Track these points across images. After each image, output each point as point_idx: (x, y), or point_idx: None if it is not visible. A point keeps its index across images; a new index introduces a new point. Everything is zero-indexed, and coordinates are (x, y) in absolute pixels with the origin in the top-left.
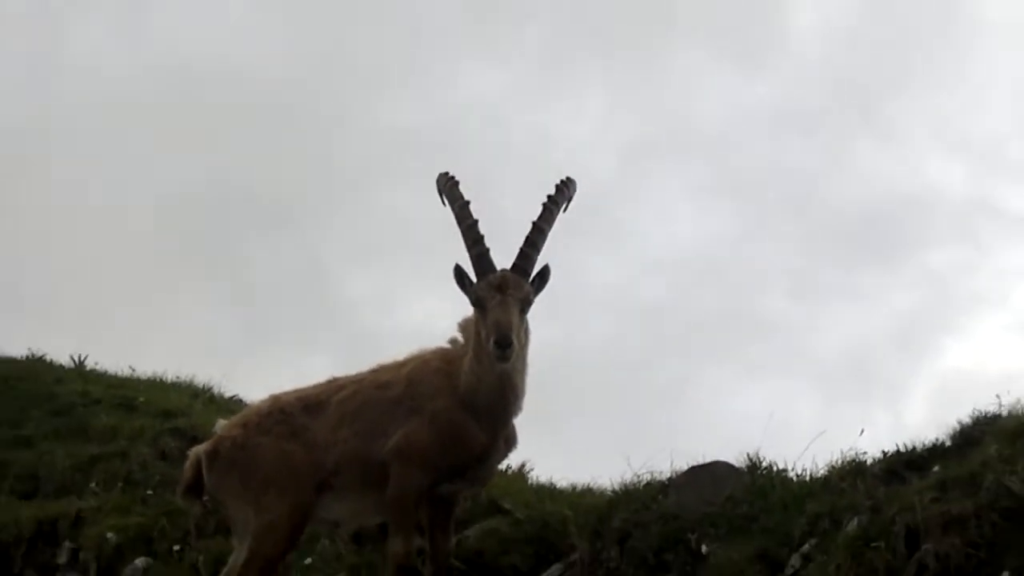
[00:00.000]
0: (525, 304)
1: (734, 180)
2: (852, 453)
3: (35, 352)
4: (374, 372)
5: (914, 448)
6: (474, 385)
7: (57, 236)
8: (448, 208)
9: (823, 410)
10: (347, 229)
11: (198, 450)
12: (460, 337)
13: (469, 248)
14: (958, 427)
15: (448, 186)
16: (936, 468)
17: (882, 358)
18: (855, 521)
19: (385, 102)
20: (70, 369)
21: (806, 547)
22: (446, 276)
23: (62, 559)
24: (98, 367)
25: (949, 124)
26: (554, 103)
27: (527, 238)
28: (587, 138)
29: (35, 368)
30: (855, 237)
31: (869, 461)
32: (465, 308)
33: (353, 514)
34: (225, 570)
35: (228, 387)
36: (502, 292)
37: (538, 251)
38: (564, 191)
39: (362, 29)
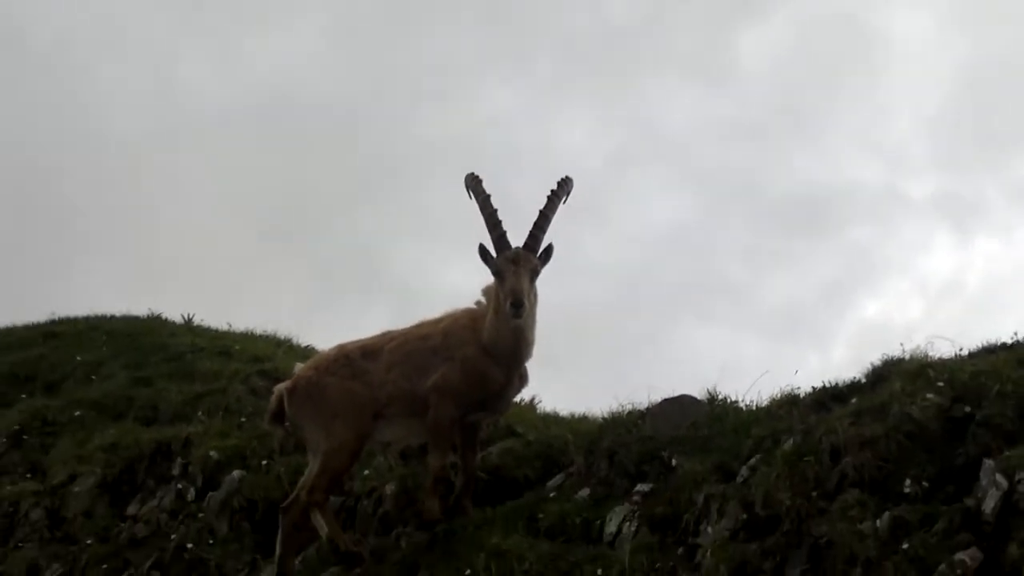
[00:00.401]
0: (534, 274)
1: (695, 175)
2: (789, 388)
3: (154, 312)
4: (417, 326)
5: (837, 384)
6: (494, 337)
7: (179, 220)
8: (474, 200)
9: (767, 354)
10: (396, 215)
11: (280, 387)
12: (483, 299)
13: (490, 231)
14: (871, 368)
15: (474, 183)
16: (854, 400)
17: (813, 312)
18: (791, 441)
19: (422, 117)
20: (181, 325)
21: (752, 460)
22: (472, 252)
23: (175, 472)
24: (203, 323)
25: (865, 130)
26: (555, 118)
27: (535, 223)
28: (580, 145)
29: (154, 324)
30: (792, 218)
31: (802, 394)
32: (487, 277)
33: (401, 437)
34: (302, 480)
35: (304, 338)
36: (516, 264)
37: (544, 233)
38: (564, 186)
39: (404, 58)
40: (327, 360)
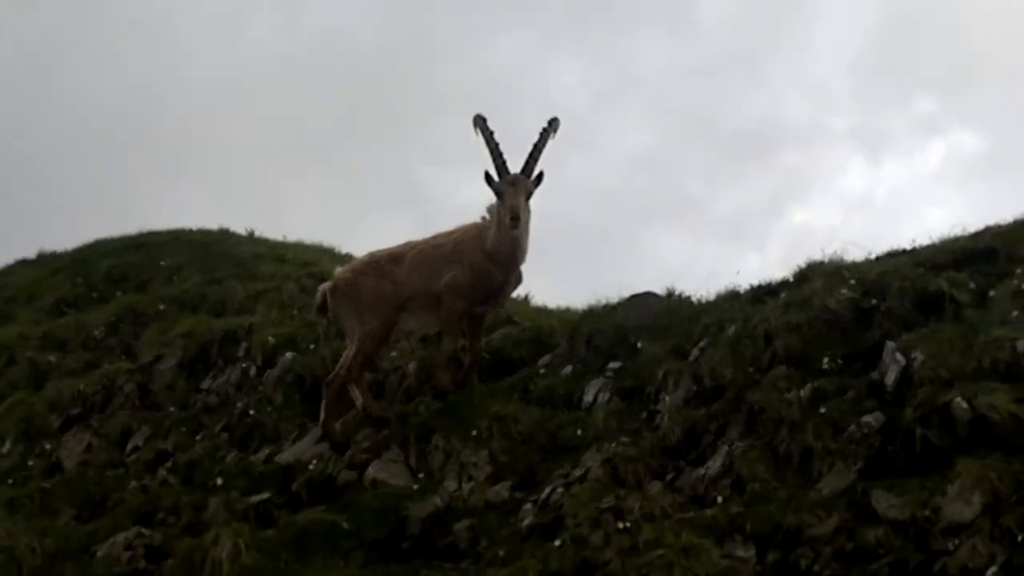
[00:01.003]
0: (528, 194)
1: (664, 110)
2: (732, 285)
3: (223, 226)
4: (433, 237)
5: (770, 282)
6: (496, 245)
7: (246, 150)
8: (480, 136)
9: (717, 256)
10: (422, 143)
11: (324, 286)
12: (487, 216)
13: (494, 160)
14: (798, 268)
15: (481, 123)
16: (783, 295)
17: (754, 222)
18: (732, 327)
19: (443, 63)
20: (244, 236)
21: (702, 343)
22: (480, 175)
23: (240, 354)
24: (262, 234)
25: (798, 72)
26: (551, 64)
27: (529, 153)
28: (572, 86)
29: (223, 236)
30: (739, 146)
31: (742, 290)
32: (491, 198)
33: (420, 326)
34: (341, 360)
35: (344, 246)
36: (514, 186)
37: (536, 161)
38: (553, 124)
39: (428, 15)
40: (361, 264)
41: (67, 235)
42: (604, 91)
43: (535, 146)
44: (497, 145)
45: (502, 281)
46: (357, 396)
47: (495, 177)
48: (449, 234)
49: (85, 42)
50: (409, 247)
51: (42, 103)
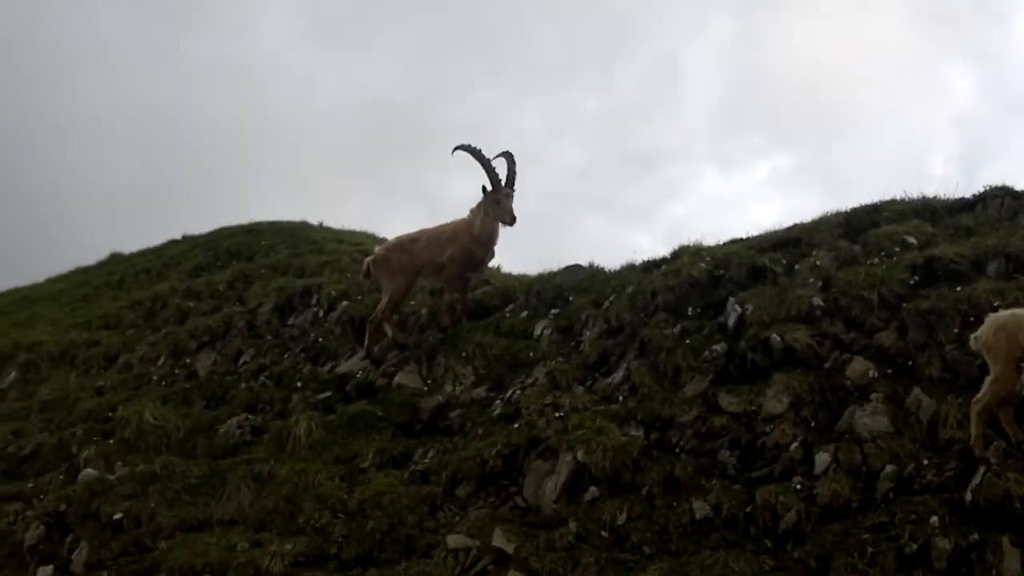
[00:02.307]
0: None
1: (592, 139)
2: (630, 259)
3: (304, 219)
4: (440, 226)
5: (656, 258)
6: (480, 232)
7: (315, 158)
8: (476, 159)
9: (621, 239)
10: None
11: (368, 259)
12: (470, 213)
13: (490, 175)
14: (673, 250)
15: (475, 151)
16: (663, 267)
17: (647, 214)
18: (630, 288)
19: (440, 105)
20: (316, 225)
21: (611, 297)
22: (464, 181)
23: (313, 302)
24: (327, 224)
25: (677, 115)
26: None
27: (509, 171)
28: (533, 121)
29: (303, 225)
30: (640, 162)
31: (637, 263)
32: (472, 200)
33: (430, 284)
34: (378, 307)
35: (380, 232)
36: (509, 197)
37: (513, 183)
38: (513, 162)
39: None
40: (391, 244)
41: (201, 222)
42: (554, 128)
43: (510, 168)
44: (491, 164)
45: (483, 256)
46: (387, 330)
47: (488, 188)
48: (448, 224)
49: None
50: (422, 232)
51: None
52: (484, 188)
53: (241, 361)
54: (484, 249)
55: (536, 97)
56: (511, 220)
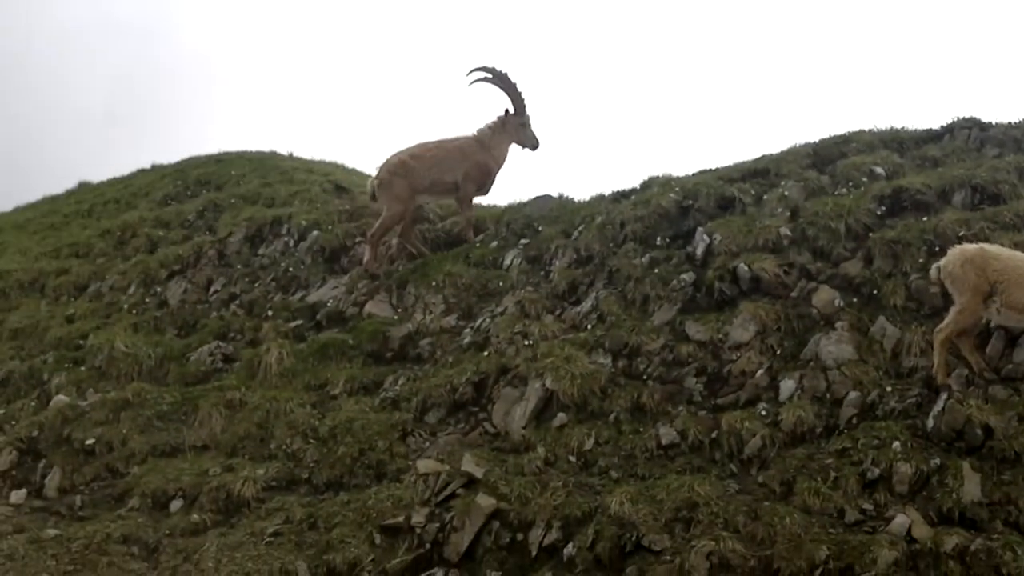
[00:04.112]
0: None
1: None
2: (599, 191)
3: (273, 149)
4: (438, 142)
5: (625, 189)
6: (499, 152)
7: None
8: (498, 84)
9: (590, 169)
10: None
11: (372, 179)
12: (486, 131)
13: (517, 105)
14: (643, 180)
15: (502, 75)
16: (633, 196)
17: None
18: (600, 218)
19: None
20: (285, 155)
21: (581, 227)
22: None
23: (283, 232)
24: (297, 154)
25: None
26: None
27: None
28: None
29: (272, 155)
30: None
31: (606, 193)
32: (485, 118)
33: (435, 201)
34: (375, 226)
35: (350, 163)
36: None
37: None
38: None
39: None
40: (394, 165)
41: (171, 152)
42: None
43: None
44: (516, 88)
45: (496, 176)
46: (367, 254)
47: (512, 111)
48: (450, 141)
49: None
50: (424, 148)
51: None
52: (507, 111)
53: (212, 290)
54: (498, 169)
55: None
56: (536, 144)
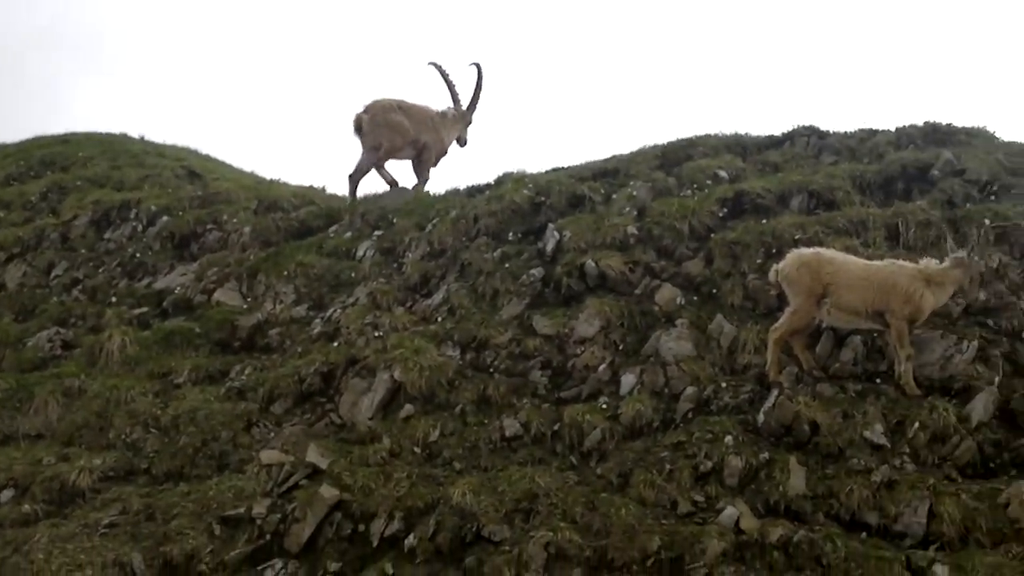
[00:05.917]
0: None
1: None
2: (455, 185)
3: (124, 131)
4: (423, 107)
5: (479, 184)
6: (448, 139)
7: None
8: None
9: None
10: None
11: (360, 112)
12: (441, 115)
13: (475, 98)
14: (497, 176)
15: (441, 69)
16: (487, 192)
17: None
18: (454, 212)
19: None
20: (137, 139)
21: (435, 220)
22: None
23: (132, 216)
24: (148, 138)
25: None
26: None
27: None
28: None
29: (122, 138)
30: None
31: (462, 188)
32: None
33: (404, 158)
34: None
35: (205, 149)
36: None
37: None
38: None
39: None
40: (387, 103)
41: (13, 131)
42: None
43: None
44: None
45: (447, 149)
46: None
47: (462, 106)
48: (428, 108)
49: None
50: (407, 105)
51: None
52: (457, 103)
53: (53, 274)
54: (444, 152)
55: None
56: (464, 144)
